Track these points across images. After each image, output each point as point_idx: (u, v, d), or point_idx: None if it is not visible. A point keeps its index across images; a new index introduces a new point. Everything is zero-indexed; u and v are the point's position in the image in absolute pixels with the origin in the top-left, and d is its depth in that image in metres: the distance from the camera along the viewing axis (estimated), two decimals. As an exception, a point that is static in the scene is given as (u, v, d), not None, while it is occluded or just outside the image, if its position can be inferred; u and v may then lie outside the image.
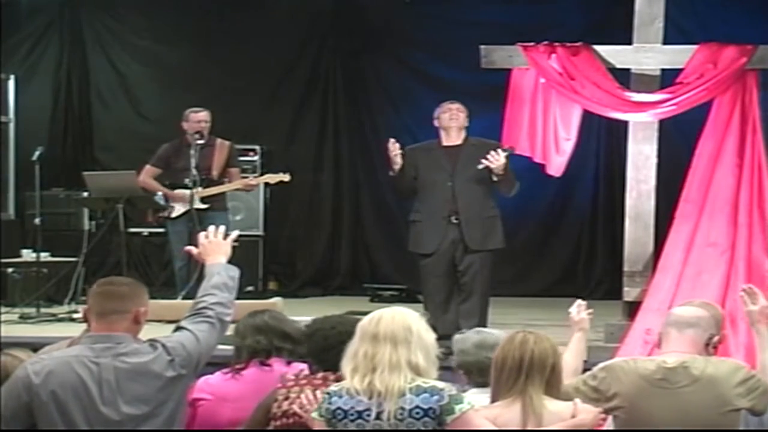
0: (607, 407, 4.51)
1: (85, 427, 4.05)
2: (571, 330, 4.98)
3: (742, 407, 4.52)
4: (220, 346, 4.60)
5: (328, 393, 4.08)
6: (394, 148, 7.93)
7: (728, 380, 4.52)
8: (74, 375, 4.07)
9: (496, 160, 7.71)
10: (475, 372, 4.65)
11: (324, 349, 4.46)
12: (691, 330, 4.66)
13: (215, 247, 4.55)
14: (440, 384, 4.04)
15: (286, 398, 4.35)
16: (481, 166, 7.80)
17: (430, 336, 4.13)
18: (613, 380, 4.57)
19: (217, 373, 4.86)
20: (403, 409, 3.97)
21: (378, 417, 3.98)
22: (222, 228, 4.61)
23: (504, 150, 7.76)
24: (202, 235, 4.59)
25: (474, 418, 4.06)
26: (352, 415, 4.01)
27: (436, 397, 3.98)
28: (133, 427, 4.08)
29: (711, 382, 4.51)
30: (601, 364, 4.71)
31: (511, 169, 7.86)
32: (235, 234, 4.68)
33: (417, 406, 3.97)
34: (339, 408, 4.03)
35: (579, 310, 5.06)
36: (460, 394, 4.07)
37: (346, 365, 4.08)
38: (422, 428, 3.97)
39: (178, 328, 4.32)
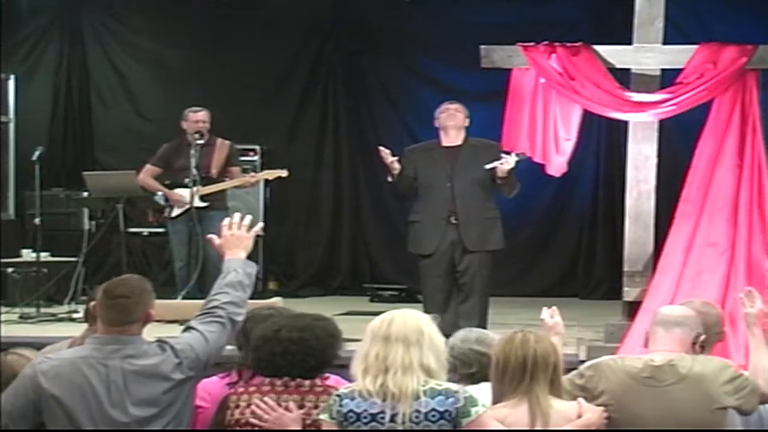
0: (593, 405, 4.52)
1: (92, 428, 4.04)
2: (546, 335, 4.93)
3: (729, 406, 4.52)
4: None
5: (338, 395, 4.06)
6: (386, 155, 7.92)
7: (715, 378, 4.52)
8: (82, 376, 4.07)
9: (507, 163, 7.72)
10: (459, 365, 4.63)
11: (254, 349, 4.40)
12: (678, 329, 4.66)
13: (237, 240, 4.48)
14: (454, 386, 4.05)
15: (237, 406, 4.30)
16: (488, 166, 7.80)
17: (441, 339, 4.13)
18: (600, 378, 4.56)
19: (215, 378, 4.81)
20: (418, 411, 3.97)
21: (392, 420, 3.97)
22: (248, 217, 4.54)
23: (517, 155, 7.76)
24: (225, 225, 4.52)
25: (489, 420, 4.06)
26: (365, 417, 4.00)
27: (451, 400, 3.99)
28: (139, 428, 4.08)
29: (698, 381, 4.51)
30: (588, 363, 4.71)
31: (514, 172, 7.87)
32: (259, 226, 4.59)
33: (433, 409, 3.97)
34: (351, 411, 4.01)
35: (551, 314, 5.04)
36: (475, 397, 4.06)
37: (356, 366, 4.07)
38: (437, 430, 3.96)
39: (188, 328, 4.29)
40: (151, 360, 4.13)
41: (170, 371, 4.14)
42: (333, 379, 4.40)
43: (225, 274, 4.41)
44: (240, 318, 4.37)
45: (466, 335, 4.72)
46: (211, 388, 4.72)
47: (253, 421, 4.22)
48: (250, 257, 4.57)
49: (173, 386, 4.14)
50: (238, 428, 4.27)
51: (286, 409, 4.20)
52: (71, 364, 4.11)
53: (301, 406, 4.22)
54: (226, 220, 4.53)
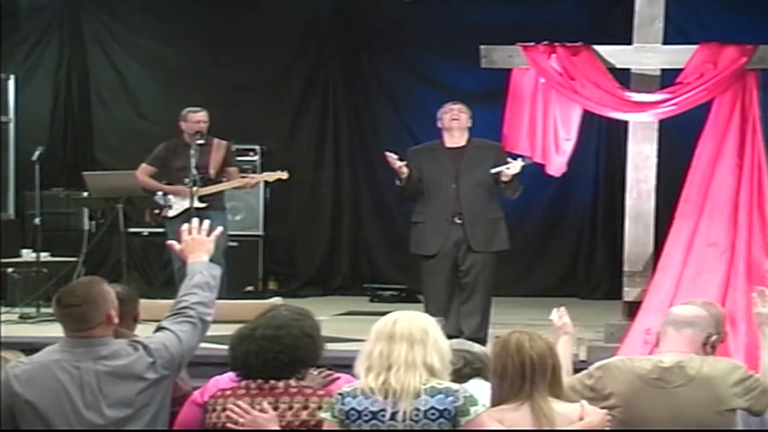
0: (602, 406, 4.50)
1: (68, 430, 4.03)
2: (555, 335, 4.94)
3: (739, 407, 4.52)
4: (220, 346, 4.57)
5: (340, 394, 4.06)
6: (393, 160, 7.92)
7: (724, 380, 4.51)
8: (55, 380, 4.05)
9: (514, 168, 7.73)
10: None
11: (230, 349, 4.41)
12: (689, 329, 4.66)
13: (198, 244, 4.49)
14: (454, 385, 4.04)
15: (214, 410, 4.30)
16: (494, 171, 7.81)
17: (445, 341, 4.13)
18: (609, 379, 4.57)
19: (227, 375, 4.80)
20: (418, 410, 3.96)
21: (393, 418, 3.97)
22: (206, 223, 4.56)
23: (523, 160, 7.77)
24: (184, 230, 4.54)
25: (488, 420, 4.06)
26: (366, 415, 4.00)
27: (451, 398, 3.98)
28: (115, 429, 4.06)
29: (707, 382, 4.51)
30: (597, 363, 4.70)
31: (518, 176, 7.87)
32: (219, 230, 4.62)
33: (432, 407, 3.97)
34: (353, 409, 4.01)
35: (560, 315, 5.03)
36: (475, 397, 4.06)
37: (360, 365, 4.07)
38: (437, 429, 3.96)
39: (160, 329, 4.29)
40: (123, 360, 4.11)
41: (144, 371, 4.12)
42: (344, 378, 4.39)
43: (191, 276, 4.42)
44: (209, 318, 4.38)
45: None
46: (222, 384, 4.72)
47: (230, 426, 4.22)
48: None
49: (148, 386, 4.13)
50: None
51: (261, 410, 4.20)
52: (44, 367, 4.08)
53: (275, 408, 4.21)
54: (185, 226, 4.55)
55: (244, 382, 4.31)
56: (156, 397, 4.16)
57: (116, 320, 4.21)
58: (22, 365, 4.13)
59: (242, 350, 4.31)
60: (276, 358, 4.25)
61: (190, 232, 4.51)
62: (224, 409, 4.25)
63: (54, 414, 4.03)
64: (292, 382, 4.27)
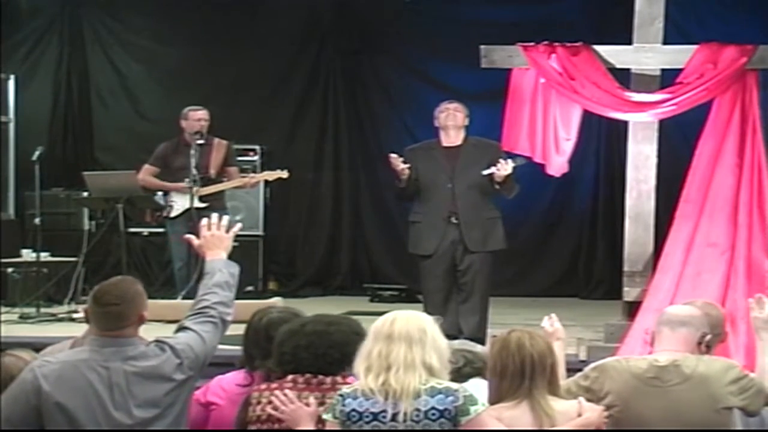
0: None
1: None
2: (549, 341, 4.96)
3: (734, 406, 4.53)
4: (224, 346, 4.57)
5: (340, 395, 4.07)
6: (397, 162, 7.93)
7: (720, 379, 4.53)
8: (84, 379, 4.05)
9: (504, 169, 7.73)
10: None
11: (279, 344, 4.42)
12: (683, 329, 4.67)
13: (217, 240, 4.48)
14: (454, 385, 4.05)
15: (258, 402, 4.31)
16: (486, 173, 7.81)
17: (443, 340, 4.14)
18: (606, 379, 4.57)
19: (230, 375, 4.81)
20: (418, 410, 3.97)
21: (394, 419, 3.98)
22: (225, 218, 4.55)
23: (514, 161, 7.77)
24: (203, 225, 4.52)
25: (488, 419, 4.07)
26: (367, 416, 4.00)
27: (451, 398, 3.99)
28: (141, 429, 4.07)
29: (702, 381, 4.52)
30: (593, 364, 4.71)
31: (513, 175, 7.87)
32: (238, 227, 4.62)
33: (433, 408, 3.97)
34: (354, 410, 4.02)
35: (551, 322, 5.05)
36: (474, 395, 4.06)
37: (359, 365, 4.07)
38: (438, 429, 3.97)
39: (183, 328, 4.29)
40: (152, 361, 4.13)
41: (172, 372, 4.14)
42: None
43: (211, 274, 4.41)
44: (229, 318, 4.38)
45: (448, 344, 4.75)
46: (226, 385, 4.74)
47: (271, 412, 4.23)
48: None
49: (175, 387, 4.14)
50: (259, 424, 4.27)
51: (306, 404, 4.21)
52: (73, 367, 4.08)
53: (321, 403, 4.22)
54: (204, 221, 4.54)
55: (291, 376, 4.31)
56: (180, 397, 4.17)
57: (145, 320, 4.23)
58: (49, 364, 4.11)
59: (292, 345, 4.32)
60: (326, 353, 4.28)
61: (209, 228, 4.50)
62: (269, 402, 4.26)
63: (83, 414, 4.02)
64: (339, 378, 4.29)
